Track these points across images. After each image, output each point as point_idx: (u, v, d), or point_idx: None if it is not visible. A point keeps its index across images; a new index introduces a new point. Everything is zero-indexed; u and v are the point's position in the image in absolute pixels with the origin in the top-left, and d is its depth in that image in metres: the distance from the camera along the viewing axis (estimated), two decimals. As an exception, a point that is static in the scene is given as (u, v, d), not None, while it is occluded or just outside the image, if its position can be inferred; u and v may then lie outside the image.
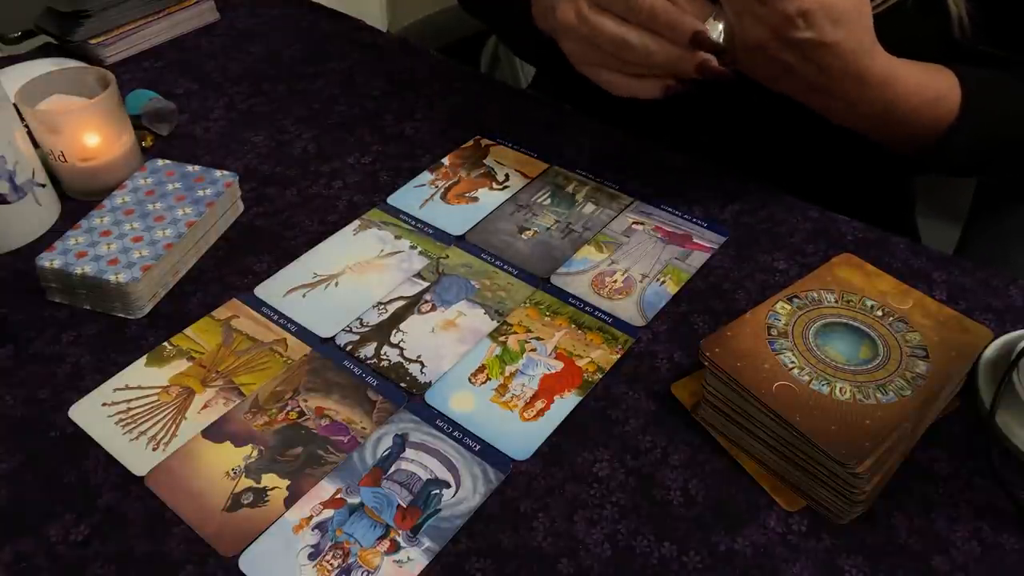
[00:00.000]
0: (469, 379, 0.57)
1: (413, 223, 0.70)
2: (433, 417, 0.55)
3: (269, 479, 0.52)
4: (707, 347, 0.51)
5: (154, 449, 0.53)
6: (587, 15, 0.58)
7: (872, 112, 0.62)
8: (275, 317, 0.62)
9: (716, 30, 0.58)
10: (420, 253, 0.67)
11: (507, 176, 0.75)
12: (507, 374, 0.58)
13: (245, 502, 0.50)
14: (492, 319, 0.62)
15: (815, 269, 0.58)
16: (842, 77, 0.58)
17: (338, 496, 0.51)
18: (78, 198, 0.73)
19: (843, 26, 0.56)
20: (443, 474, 0.52)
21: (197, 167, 0.71)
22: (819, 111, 0.63)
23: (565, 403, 0.56)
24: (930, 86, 0.63)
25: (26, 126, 0.70)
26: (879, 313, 0.54)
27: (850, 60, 0.58)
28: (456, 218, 0.71)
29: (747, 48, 0.58)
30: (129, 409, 0.56)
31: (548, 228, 0.70)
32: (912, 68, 0.62)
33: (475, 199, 0.73)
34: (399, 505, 0.50)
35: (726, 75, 0.58)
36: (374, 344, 0.60)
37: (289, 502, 0.50)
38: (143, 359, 0.59)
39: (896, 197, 0.88)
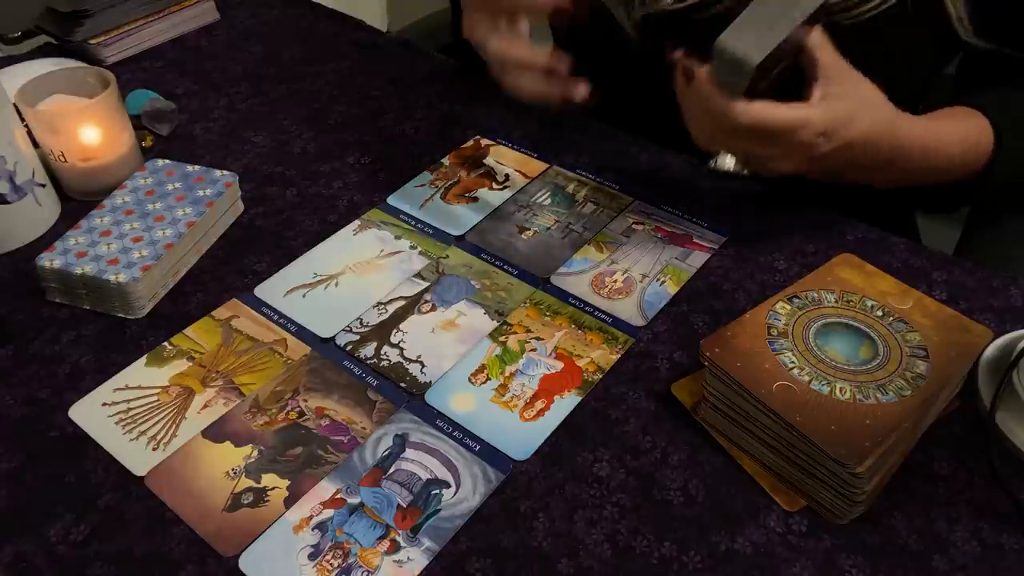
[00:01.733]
0: (469, 379, 0.57)
1: (413, 223, 0.70)
2: (433, 417, 0.55)
3: (269, 479, 0.52)
4: (707, 347, 0.51)
5: (154, 449, 0.53)
6: (474, 28, 0.64)
7: (916, 174, 0.63)
8: (275, 317, 0.62)
9: (729, 162, 0.62)
10: (420, 253, 0.68)
11: (507, 176, 0.75)
12: (507, 374, 0.58)
13: (245, 502, 0.50)
14: (492, 319, 0.62)
15: (815, 269, 0.58)
16: (883, 157, 0.60)
17: (338, 496, 0.51)
18: (78, 198, 0.73)
19: (860, 118, 0.57)
20: (443, 474, 0.52)
21: (197, 167, 0.71)
22: (865, 184, 0.65)
23: (565, 403, 0.56)
24: (963, 133, 0.64)
25: (26, 126, 0.70)
26: (879, 313, 0.54)
27: (883, 141, 0.59)
28: (456, 218, 0.71)
29: (780, 172, 0.60)
30: (129, 409, 0.56)
31: (548, 228, 0.70)
32: (942, 121, 0.64)
33: (475, 199, 0.73)
34: (399, 505, 0.50)
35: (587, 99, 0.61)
36: (374, 344, 0.60)
37: (289, 502, 0.50)
38: (143, 359, 0.59)
39: (896, 197, 0.87)
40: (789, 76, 0.57)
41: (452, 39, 1.12)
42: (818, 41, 0.57)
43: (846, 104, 0.57)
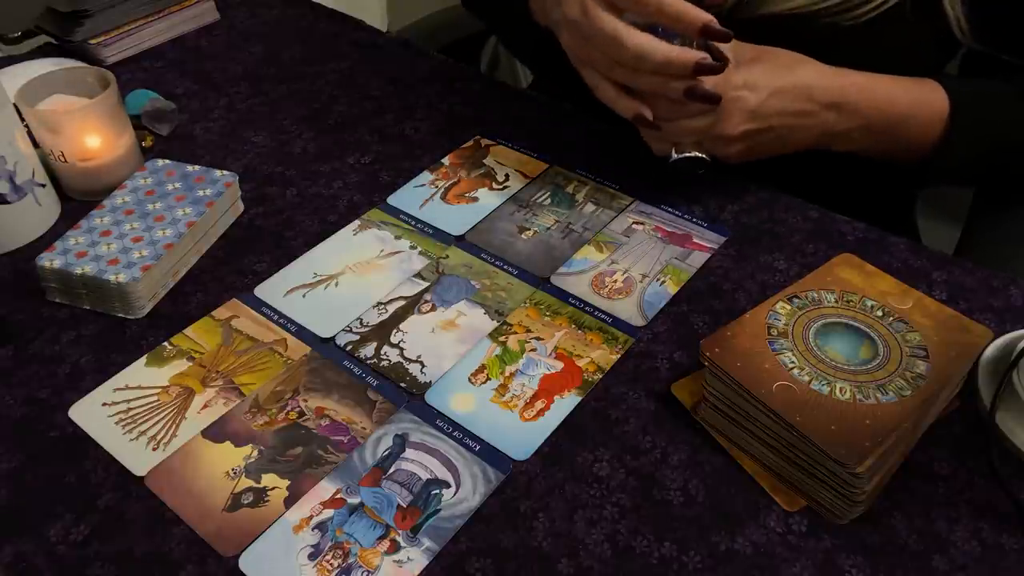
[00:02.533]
0: (469, 379, 0.57)
1: (413, 223, 0.70)
2: (433, 417, 0.55)
3: (269, 479, 0.52)
4: (707, 347, 0.51)
5: (154, 449, 0.53)
6: (591, 10, 0.59)
7: (866, 122, 0.65)
8: (275, 317, 0.62)
9: (692, 152, 0.65)
10: (420, 253, 0.68)
11: (507, 176, 0.75)
12: (507, 374, 0.58)
13: (245, 502, 0.50)
14: (492, 319, 0.62)
15: (815, 269, 0.58)
16: (823, 100, 0.63)
17: (338, 496, 0.51)
18: (78, 198, 0.73)
19: (779, 67, 0.62)
20: (443, 474, 0.52)
21: (197, 167, 0.71)
22: (827, 146, 0.67)
23: (565, 403, 0.56)
24: (911, 86, 0.66)
25: (26, 126, 0.70)
26: (879, 313, 0.54)
27: (816, 85, 0.62)
28: (456, 218, 0.71)
29: (731, 143, 0.64)
30: (129, 409, 0.56)
31: (548, 228, 0.70)
32: (884, 76, 0.65)
33: (475, 199, 0.73)
34: (399, 505, 0.50)
35: (713, 97, 0.61)
36: (374, 344, 0.60)
37: (289, 502, 0.50)
38: (143, 359, 0.59)
39: (896, 197, 0.88)
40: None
41: (457, 37, 1.12)
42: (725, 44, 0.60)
43: (758, 63, 0.62)
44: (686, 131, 0.63)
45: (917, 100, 0.65)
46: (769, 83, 0.62)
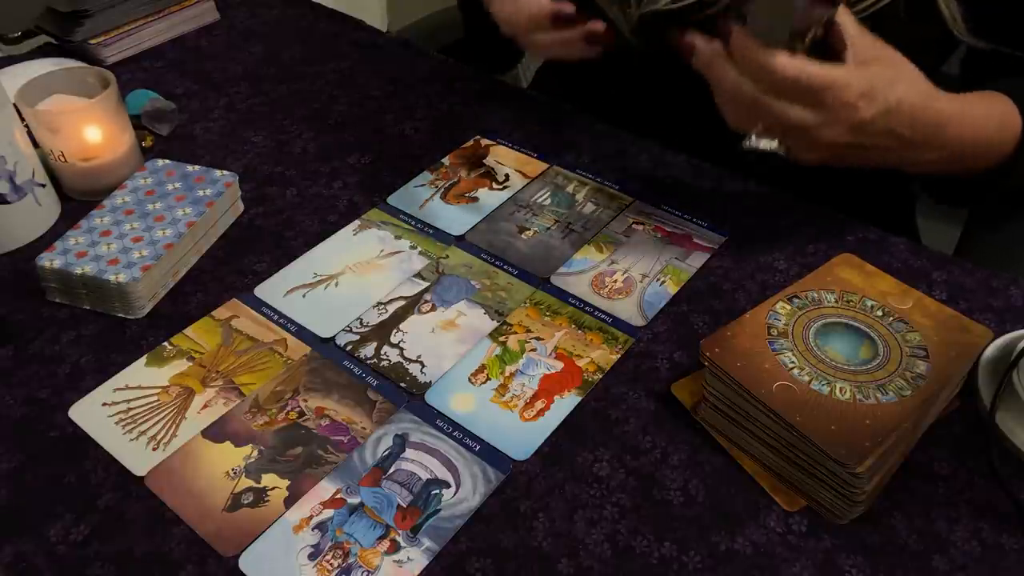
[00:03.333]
0: (469, 379, 0.57)
1: (413, 223, 0.70)
2: (433, 417, 0.55)
3: (269, 479, 0.52)
4: (707, 347, 0.51)
5: (154, 449, 0.53)
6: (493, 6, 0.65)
7: (952, 153, 0.62)
8: (275, 317, 0.62)
9: (771, 144, 0.59)
10: (420, 253, 0.67)
11: (507, 176, 0.75)
12: (507, 374, 0.58)
13: (245, 502, 0.50)
14: (492, 319, 0.62)
15: (815, 269, 0.58)
16: (921, 126, 0.58)
17: (338, 496, 0.51)
18: (78, 198, 0.73)
19: (899, 81, 0.56)
20: (443, 474, 0.52)
21: (197, 167, 0.71)
22: (901, 168, 0.63)
23: (565, 403, 0.56)
24: (999, 114, 0.63)
25: (26, 126, 0.70)
26: (879, 313, 0.54)
27: (919, 109, 0.58)
28: (456, 218, 0.71)
29: (820, 149, 0.58)
30: (129, 409, 0.56)
31: (548, 228, 0.70)
32: (973, 98, 0.62)
33: (475, 199, 0.73)
34: (399, 505, 0.50)
35: (608, 38, 0.64)
36: (374, 344, 0.60)
37: (289, 502, 0.50)
38: (143, 359, 0.59)
39: (896, 197, 0.88)
40: (819, 55, 0.55)
41: (457, 37, 1.12)
42: (845, 19, 0.56)
43: (883, 68, 0.56)
44: (786, 119, 0.56)
45: (1000, 128, 0.63)
46: (886, 100, 0.55)
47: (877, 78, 0.55)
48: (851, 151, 0.59)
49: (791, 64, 0.54)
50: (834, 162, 0.60)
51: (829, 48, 0.56)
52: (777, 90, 0.55)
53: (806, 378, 0.50)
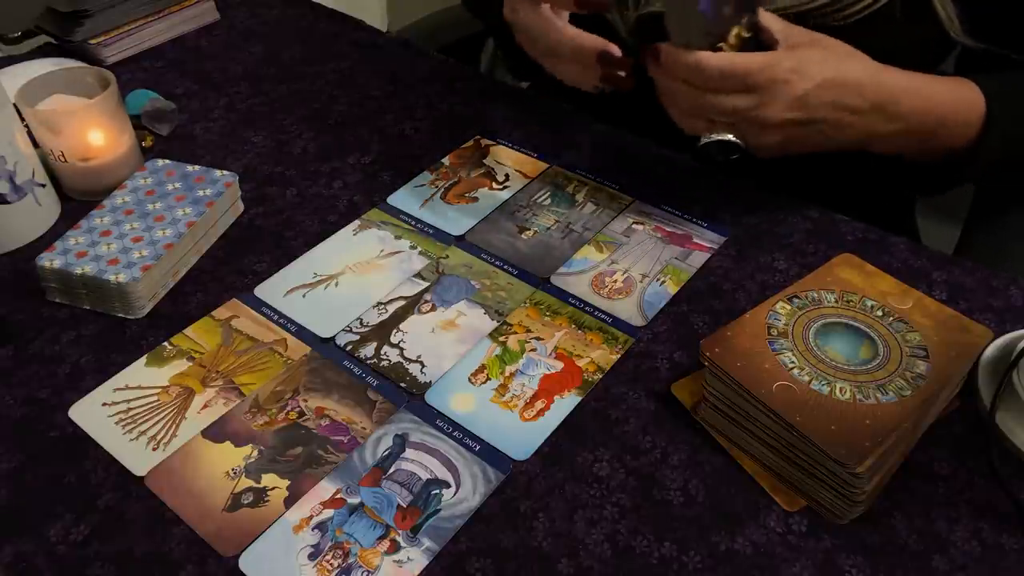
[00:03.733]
0: (469, 379, 0.57)
1: (413, 223, 0.70)
2: (433, 417, 0.55)
3: (269, 479, 0.52)
4: (707, 347, 0.51)
5: (154, 449, 0.53)
6: (517, 9, 0.64)
7: (911, 126, 0.62)
8: (275, 317, 0.62)
9: (724, 136, 0.61)
10: (420, 253, 0.68)
11: (507, 176, 0.75)
12: (507, 374, 0.58)
13: (245, 502, 0.50)
14: (492, 319, 0.62)
15: (815, 269, 0.58)
16: (868, 97, 0.60)
17: (338, 496, 0.51)
18: (78, 198, 0.73)
19: (831, 56, 0.59)
20: (443, 474, 0.52)
21: (197, 167, 0.71)
22: (867, 147, 0.64)
23: (565, 403, 0.56)
24: (953, 88, 0.64)
25: (26, 126, 0.70)
26: (879, 313, 0.54)
27: (867, 79, 0.59)
28: (456, 218, 0.71)
29: (770, 131, 0.60)
30: (129, 409, 0.56)
31: (548, 228, 0.70)
32: (931, 76, 0.63)
33: (475, 199, 0.73)
34: (399, 505, 0.50)
35: (627, 85, 0.62)
36: (374, 344, 0.60)
37: (289, 502, 0.50)
38: (143, 359, 0.59)
39: (896, 197, 0.88)
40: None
41: (457, 37, 1.12)
42: (768, 17, 0.59)
43: (815, 49, 0.59)
44: (724, 109, 0.59)
45: (957, 101, 0.64)
46: (820, 72, 0.58)
47: (807, 56, 0.59)
48: (803, 129, 0.60)
49: (715, 58, 0.57)
50: (796, 147, 0.62)
51: (763, 46, 0.59)
52: (710, 87, 0.58)
53: (806, 378, 0.50)
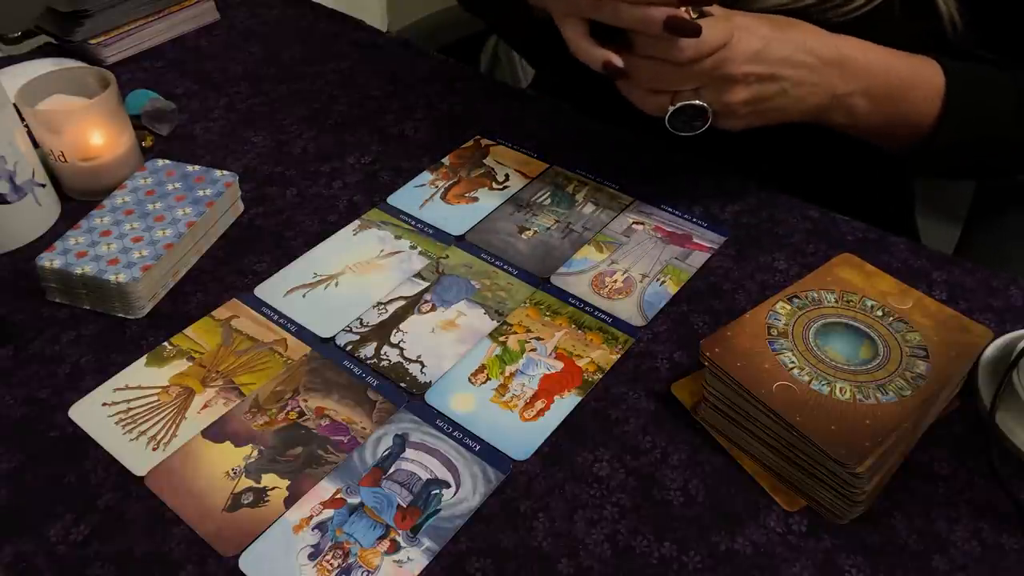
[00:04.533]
0: (469, 379, 0.57)
1: (413, 223, 0.70)
2: (433, 417, 0.55)
3: (269, 479, 0.52)
4: (707, 347, 0.51)
5: (154, 449, 0.53)
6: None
7: (869, 87, 0.63)
8: (275, 317, 0.62)
9: (690, 101, 0.61)
10: (420, 253, 0.68)
11: (507, 176, 0.75)
12: (507, 374, 0.58)
13: (245, 502, 0.50)
14: (492, 319, 0.62)
15: (815, 269, 0.58)
16: (825, 55, 0.61)
17: (338, 496, 0.51)
18: (78, 198, 0.73)
19: (775, 19, 0.60)
20: (443, 474, 0.52)
21: (197, 167, 0.71)
22: (828, 116, 0.65)
23: (565, 403, 0.56)
24: (909, 57, 0.64)
25: (26, 126, 0.70)
26: (879, 313, 0.54)
27: (818, 40, 0.61)
28: (456, 218, 0.71)
29: (734, 89, 0.60)
30: (129, 409, 0.56)
31: (548, 228, 0.70)
32: (885, 48, 0.64)
33: (475, 199, 0.73)
34: (399, 505, 0.50)
35: (695, 29, 0.58)
36: (374, 344, 0.60)
37: (289, 502, 0.50)
38: (143, 359, 0.59)
39: (896, 197, 0.88)
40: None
41: (457, 37, 1.12)
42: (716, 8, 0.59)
43: (753, 16, 0.60)
44: (684, 75, 0.59)
45: (915, 69, 0.64)
46: (769, 31, 0.59)
47: (754, 19, 0.60)
48: (766, 87, 0.60)
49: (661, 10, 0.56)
50: (762, 112, 0.62)
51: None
52: (664, 51, 0.57)
53: (806, 378, 0.50)
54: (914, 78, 0.64)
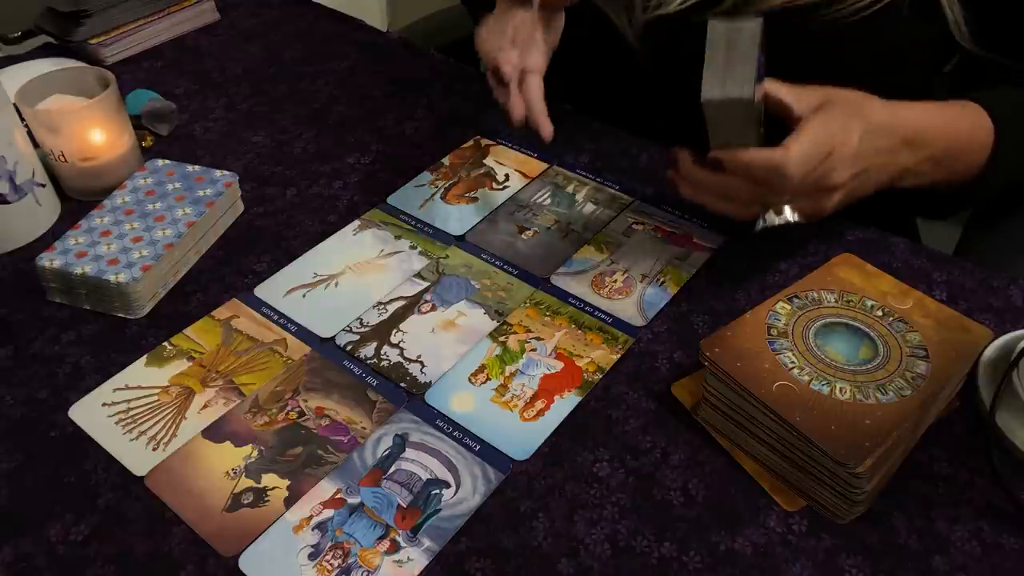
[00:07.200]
0: (469, 379, 0.57)
1: (413, 223, 0.70)
2: (433, 417, 0.55)
3: (269, 479, 0.52)
4: (707, 347, 0.51)
5: (154, 449, 0.53)
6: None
7: (934, 153, 0.62)
8: (275, 317, 0.62)
9: (786, 218, 0.58)
10: (420, 253, 0.68)
11: (507, 176, 0.75)
12: (507, 374, 0.58)
13: (245, 502, 0.50)
14: (492, 319, 0.62)
15: (815, 269, 0.58)
16: (899, 134, 0.60)
17: (338, 496, 0.51)
18: (78, 198, 0.73)
19: (857, 102, 0.58)
20: (443, 474, 0.52)
21: (197, 167, 0.71)
22: (898, 183, 0.63)
23: (565, 403, 0.56)
24: (960, 110, 0.64)
25: (26, 126, 0.70)
26: (879, 313, 0.54)
27: (889, 119, 0.59)
28: (456, 218, 0.71)
29: (835, 195, 0.58)
30: (129, 409, 0.56)
31: (548, 228, 0.70)
32: (938, 104, 0.63)
33: (475, 199, 0.73)
34: (399, 505, 0.50)
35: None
36: (374, 344, 0.60)
37: (289, 502, 0.50)
38: (143, 359, 0.59)
39: (896, 197, 0.88)
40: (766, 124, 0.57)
41: (457, 37, 1.12)
42: (771, 86, 0.57)
43: (834, 106, 0.57)
44: (787, 191, 0.57)
45: (971, 123, 0.64)
46: (859, 124, 0.57)
47: (837, 114, 0.57)
48: (858, 181, 0.59)
49: (791, 154, 0.54)
50: (849, 200, 0.60)
51: (771, 116, 0.57)
52: (780, 183, 0.56)
53: (806, 378, 0.50)
54: (972, 131, 0.64)
